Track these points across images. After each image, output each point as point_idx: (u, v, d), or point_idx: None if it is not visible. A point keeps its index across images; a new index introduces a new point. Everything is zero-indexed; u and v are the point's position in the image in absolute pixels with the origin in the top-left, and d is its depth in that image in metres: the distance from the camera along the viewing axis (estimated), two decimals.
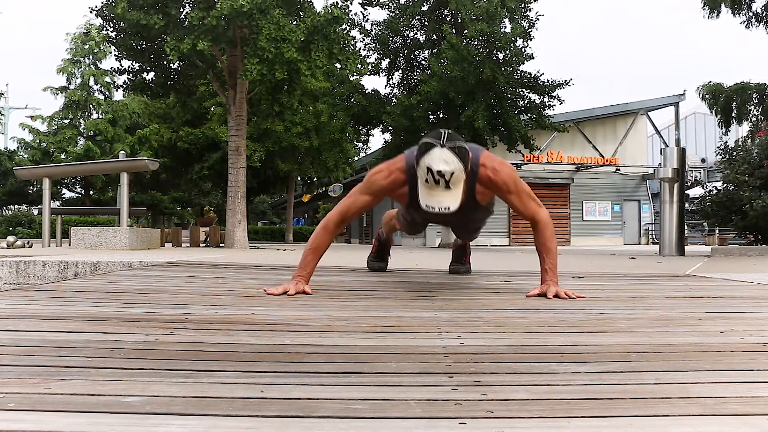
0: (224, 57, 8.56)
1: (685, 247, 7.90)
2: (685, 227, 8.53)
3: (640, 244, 19.70)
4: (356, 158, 19.82)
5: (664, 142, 21.03)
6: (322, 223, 2.20)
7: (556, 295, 2.02)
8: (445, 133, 1.91)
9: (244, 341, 1.23)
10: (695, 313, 1.73)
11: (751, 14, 9.20)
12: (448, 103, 12.06)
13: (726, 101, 9.59)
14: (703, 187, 10.57)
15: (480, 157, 2.10)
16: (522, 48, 11.81)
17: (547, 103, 12.23)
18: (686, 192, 10.08)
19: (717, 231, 17.37)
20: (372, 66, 13.45)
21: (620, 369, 1.03)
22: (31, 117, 23.84)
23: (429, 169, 1.84)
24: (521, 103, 12.29)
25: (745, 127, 10.57)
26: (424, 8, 13.30)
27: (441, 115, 12.99)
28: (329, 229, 2.17)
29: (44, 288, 2.20)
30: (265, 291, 2.06)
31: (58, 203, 23.06)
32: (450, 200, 1.86)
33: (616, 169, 19.84)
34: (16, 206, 25.29)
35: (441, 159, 1.84)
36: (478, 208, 2.26)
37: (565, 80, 12.18)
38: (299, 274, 2.12)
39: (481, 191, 2.14)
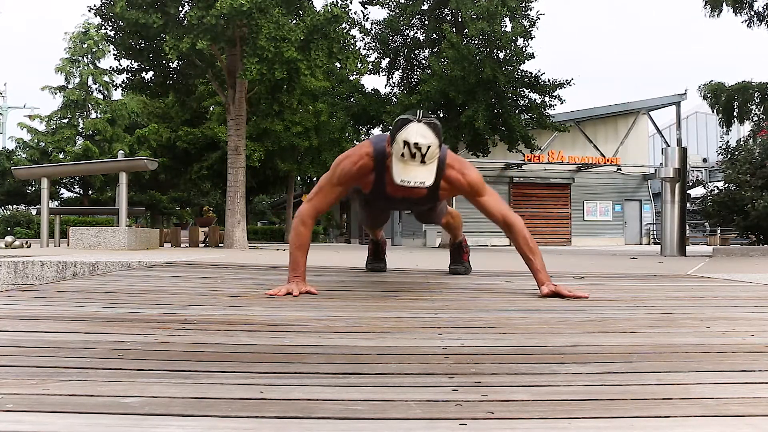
0: (223, 56, 8.55)
1: (687, 247, 7.90)
2: (687, 227, 8.53)
3: (641, 244, 19.71)
4: None
5: (666, 142, 21.03)
6: (297, 220, 2.18)
7: (558, 293, 2.02)
8: (420, 111, 1.94)
9: (243, 342, 1.23)
10: (697, 314, 1.73)
11: (752, 13, 9.18)
12: (449, 102, 12.05)
13: (727, 101, 9.58)
14: (704, 186, 10.58)
15: (446, 156, 2.11)
16: (523, 47, 11.80)
17: (547, 103, 12.22)
18: (688, 192, 10.09)
19: (719, 231, 17.37)
20: (372, 65, 13.44)
21: (621, 370, 1.03)
22: (30, 116, 23.85)
23: (406, 143, 1.85)
24: (522, 102, 12.28)
25: (746, 127, 10.57)
26: (425, 7, 13.29)
27: (441, 115, 12.98)
28: (308, 225, 2.18)
29: (43, 288, 2.20)
30: (266, 294, 2.04)
31: (56, 203, 23.06)
32: (425, 174, 1.87)
33: (618, 169, 19.84)
34: (15, 206, 25.29)
35: (418, 133, 1.87)
36: (437, 201, 2.30)
37: (566, 80, 12.17)
38: (295, 275, 2.11)
39: (444, 188, 2.15)
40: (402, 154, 1.87)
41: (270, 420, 0.74)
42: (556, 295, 2.03)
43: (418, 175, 1.87)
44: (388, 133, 2.02)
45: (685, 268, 4.06)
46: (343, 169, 2.13)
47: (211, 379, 0.93)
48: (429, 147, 1.86)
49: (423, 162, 1.87)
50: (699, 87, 9.98)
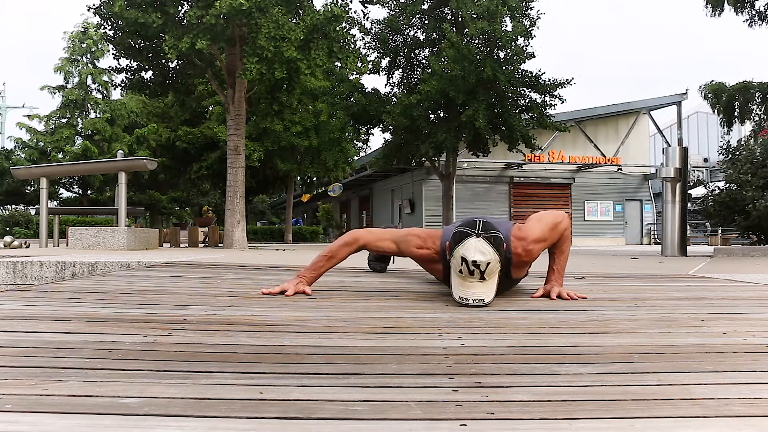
0: (223, 56, 8.55)
1: (688, 247, 7.89)
2: (688, 227, 8.52)
3: (642, 244, 19.71)
4: (356, 158, 19.82)
5: (667, 142, 21.04)
6: (346, 237, 2.16)
7: (559, 296, 2.02)
8: (479, 222, 1.85)
9: (243, 342, 1.23)
10: (698, 314, 1.72)
11: (754, 12, 9.17)
12: (449, 102, 12.04)
13: (728, 100, 9.57)
14: (705, 186, 10.56)
15: (512, 243, 1.99)
16: (523, 47, 11.79)
17: (548, 102, 12.21)
18: (689, 192, 10.07)
19: (720, 231, 17.37)
20: (372, 65, 13.43)
21: (622, 370, 1.03)
22: (29, 116, 23.84)
23: (464, 260, 1.77)
24: (522, 102, 12.27)
25: (747, 127, 10.56)
26: (425, 6, 13.28)
27: (441, 115, 12.98)
28: (351, 247, 2.15)
29: (42, 288, 2.19)
30: (262, 292, 2.05)
31: (55, 203, 23.06)
32: (484, 292, 1.80)
33: (618, 169, 19.84)
34: (14, 206, 25.29)
35: (476, 249, 1.77)
36: (513, 282, 2.20)
37: (567, 79, 12.16)
38: (305, 274, 2.12)
39: (516, 271, 2.07)
40: (460, 270, 1.80)
41: (270, 420, 0.74)
42: (546, 296, 2.04)
43: (477, 293, 1.80)
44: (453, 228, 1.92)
45: (686, 268, 4.06)
46: (407, 243, 2.11)
47: (211, 379, 0.93)
48: (489, 264, 1.77)
49: (483, 279, 1.79)
50: (700, 87, 9.97)
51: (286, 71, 8.00)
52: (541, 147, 13.85)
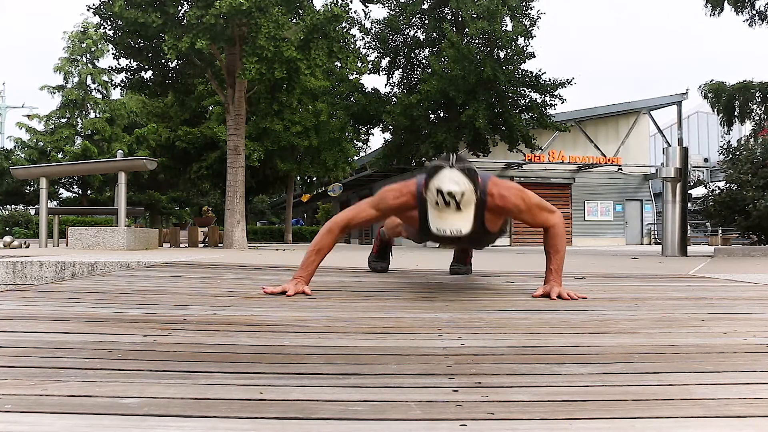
0: (223, 55, 8.54)
1: (688, 247, 7.89)
2: (688, 227, 8.51)
3: (642, 244, 19.70)
4: (356, 158, 19.82)
5: (667, 142, 21.03)
6: (327, 225, 2.18)
7: (559, 296, 2.02)
8: (453, 155, 1.90)
9: (243, 342, 1.23)
10: (698, 314, 1.72)
11: (754, 12, 9.18)
12: (449, 102, 12.04)
13: (728, 100, 9.57)
14: (705, 186, 10.55)
15: (488, 185, 2.06)
16: (523, 46, 11.79)
17: (548, 102, 12.21)
18: (689, 192, 10.06)
19: (720, 231, 17.36)
20: (372, 64, 13.43)
21: (622, 370, 1.03)
22: (28, 116, 23.84)
23: (439, 191, 1.81)
24: (522, 102, 12.26)
25: (747, 126, 10.56)
26: (425, 6, 13.28)
27: (441, 115, 12.98)
28: (333, 233, 2.15)
29: (41, 288, 2.19)
30: (263, 290, 2.05)
31: (55, 203, 23.06)
32: (461, 222, 1.83)
33: (618, 169, 19.83)
34: (13, 206, 25.29)
35: (451, 179, 1.81)
36: (488, 234, 2.24)
37: (567, 79, 12.16)
38: (300, 274, 2.12)
39: (490, 219, 2.11)
40: (436, 203, 1.83)
41: (269, 421, 0.74)
42: (546, 296, 2.04)
43: (455, 224, 1.82)
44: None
45: (687, 268, 4.06)
46: (384, 200, 2.13)
47: (211, 379, 0.92)
48: (463, 194, 1.81)
49: (459, 209, 1.82)
50: (700, 86, 9.97)
51: (285, 71, 7.99)
52: (541, 147, 13.85)
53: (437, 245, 9.24)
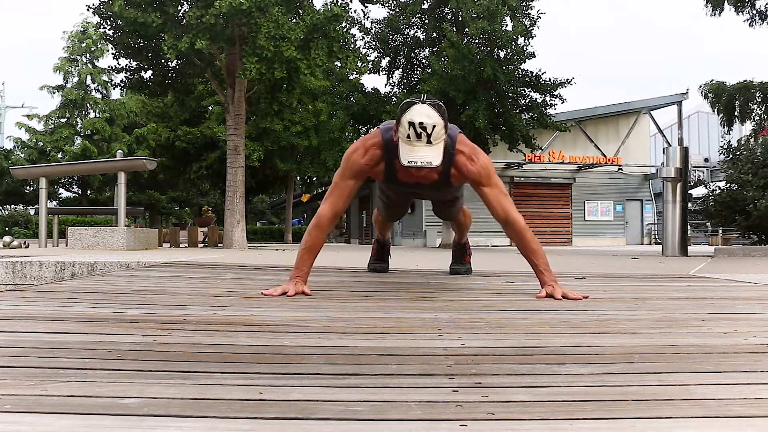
0: (222, 55, 8.54)
1: (688, 247, 7.88)
2: (688, 227, 8.51)
3: (642, 244, 19.70)
4: None
5: (667, 142, 21.02)
6: (314, 221, 2.17)
7: (565, 296, 2.01)
8: (423, 95, 1.96)
9: (242, 342, 1.23)
10: (698, 314, 1.72)
11: (754, 12, 9.18)
12: (449, 102, 12.03)
13: (729, 100, 9.58)
14: (706, 186, 10.55)
15: (457, 139, 2.09)
16: (523, 46, 11.79)
17: (548, 102, 12.21)
18: (689, 192, 10.06)
19: (720, 231, 17.36)
20: (372, 64, 13.43)
21: (623, 370, 1.03)
22: (28, 116, 23.84)
23: (411, 123, 1.86)
24: (522, 102, 12.26)
25: (748, 126, 10.56)
26: (425, 6, 13.28)
27: None
28: (322, 227, 2.15)
29: (41, 289, 2.19)
30: (262, 294, 2.04)
31: (54, 203, 23.06)
32: (432, 155, 1.87)
33: (619, 169, 19.83)
34: (13, 206, 25.29)
35: (422, 113, 1.87)
36: (451, 187, 2.26)
37: (567, 79, 12.16)
38: (296, 274, 2.11)
39: (455, 175, 2.12)
40: (408, 136, 1.87)
41: (269, 421, 0.74)
42: (551, 297, 2.03)
43: (425, 155, 1.86)
44: (393, 122, 2.01)
45: (687, 268, 4.06)
46: (353, 162, 2.12)
47: (210, 379, 0.92)
48: (434, 126, 1.87)
49: (429, 142, 1.86)
50: (700, 87, 9.97)
51: (285, 71, 7.99)
52: (542, 147, 13.85)
53: (437, 246, 9.20)
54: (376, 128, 2.19)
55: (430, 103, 1.91)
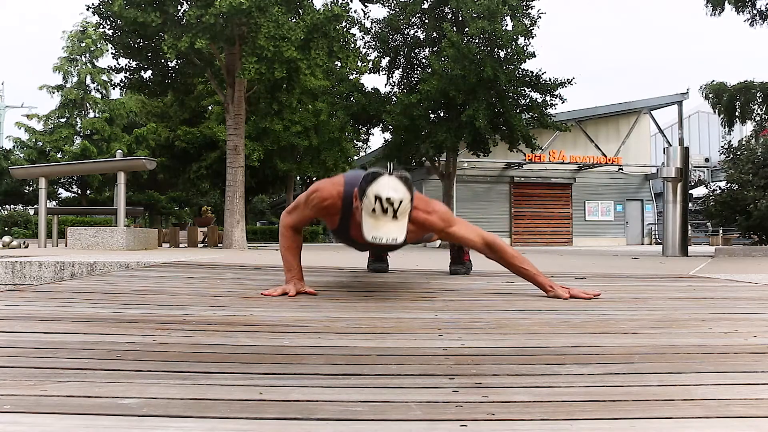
0: (222, 55, 8.54)
1: (689, 247, 7.88)
2: (689, 227, 8.50)
3: (643, 244, 19.70)
4: (356, 157, 19.81)
5: (668, 141, 21.02)
6: (286, 224, 2.17)
7: (574, 296, 2.02)
8: (390, 164, 1.90)
9: (242, 343, 1.23)
10: (699, 315, 1.72)
11: (755, 12, 9.17)
12: (449, 101, 12.03)
13: (729, 100, 9.57)
14: (706, 186, 10.55)
15: (413, 198, 2.01)
16: (524, 46, 11.78)
17: (549, 102, 12.20)
18: (690, 192, 10.06)
19: (721, 231, 17.36)
20: (372, 64, 13.43)
21: (623, 371, 1.03)
22: (27, 116, 23.84)
23: (377, 197, 1.77)
24: (523, 101, 12.25)
25: (748, 126, 10.56)
26: (425, 6, 13.27)
27: (441, 114, 12.98)
28: (298, 230, 2.18)
29: (40, 289, 2.19)
30: (262, 294, 2.04)
31: (54, 203, 23.05)
32: (397, 231, 1.80)
33: (619, 169, 19.83)
34: (12, 206, 25.29)
35: (390, 187, 1.78)
36: (405, 244, 2.20)
37: (568, 79, 12.15)
38: (290, 276, 2.11)
39: (411, 230, 2.05)
40: (373, 209, 1.78)
41: (269, 421, 0.74)
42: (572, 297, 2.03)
43: (390, 232, 1.79)
44: (361, 173, 1.93)
45: (687, 268, 4.05)
46: (313, 200, 2.10)
47: (210, 380, 0.92)
48: (401, 201, 1.78)
49: (395, 217, 1.78)
50: (701, 87, 9.97)
51: (285, 71, 7.99)
52: (542, 147, 13.84)
53: (437, 246, 9.25)
54: (341, 175, 2.13)
55: (397, 175, 1.84)
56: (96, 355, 1.09)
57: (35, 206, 14.71)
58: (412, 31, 13.59)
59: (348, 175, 2.11)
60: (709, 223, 19.09)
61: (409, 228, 1.95)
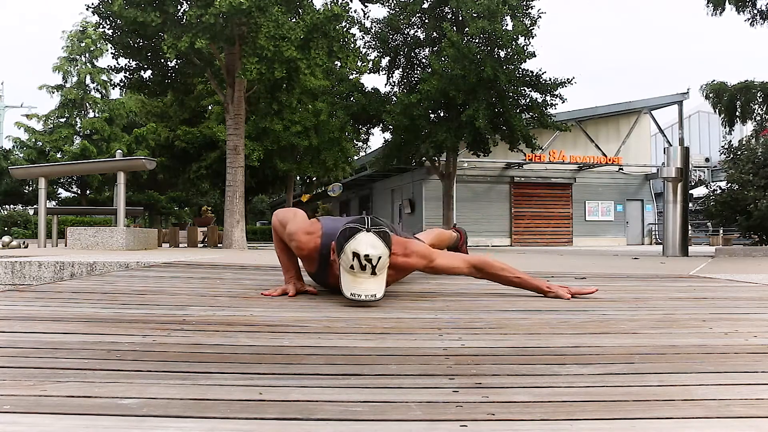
0: (222, 55, 8.54)
1: (689, 247, 7.88)
2: (689, 227, 8.50)
3: (643, 244, 19.71)
4: (356, 157, 19.82)
5: (668, 141, 21.03)
6: (275, 232, 2.15)
7: (576, 294, 2.04)
8: (368, 218, 1.85)
9: (242, 343, 1.22)
10: (699, 315, 1.72)
11: (755, 12, 9.17)
12: (449, 101, 12.04)
13: (730, 100, 9.57)
14: (707, 186, 10.56)
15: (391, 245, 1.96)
16: (524, 46, 11.79)
17: (549, 102, 12.20)
18: (690, 192, 10.06)
19: (721, 231, 17.36)
20: (372, 64, 13.43)
21: (623, 371, 1.02)
22: (27, 116, 23.86)
23: (356, 255, 1.74)
24: (523, 101, 12.25)
25: (749, 126, 10.56)
26: (425, 6, 13.28)
27: (442, 114, 12.98)
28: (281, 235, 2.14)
29: (40, 289, 2.19)
30: (262, 294, 2.04)
31: (54, 203, 23.07)
32: (376, 287, 1.78)
33: (619, 169, 19.84)
34: (12, 206, 25.30)
35: (368, 243, 1.75)
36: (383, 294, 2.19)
37: (568, 78, 12.16)
38: (289, 275, 2.11)
39: (392, 275, 2.03)
40: (351, 266, 1.75)
41: (269, 421, 0.74)
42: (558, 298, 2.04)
43: (369, 288, 1.77)
44: (340, 223, 1.90)
45: (688, 268, 4.05)
46: (292, 242, 2.04)
47: (210, 380, 0.92)
48: (380, 258, 1.76)
49: (374, 273, 1.76)
50: (701, 87, 9.97)
51: (285, 71, 8.00)
52: (542, 147, 13.84)
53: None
54: (319, 225, 2.05)
55: (375, 231, 1.79)
56: (95, 356, 1.09)
57: (35, 206, 14.71)
58: (412, 31, 13.60)
59: (326, 226, 2.04)
60: (709, 223, 19.09)
61: (388, 273, 1.92)
